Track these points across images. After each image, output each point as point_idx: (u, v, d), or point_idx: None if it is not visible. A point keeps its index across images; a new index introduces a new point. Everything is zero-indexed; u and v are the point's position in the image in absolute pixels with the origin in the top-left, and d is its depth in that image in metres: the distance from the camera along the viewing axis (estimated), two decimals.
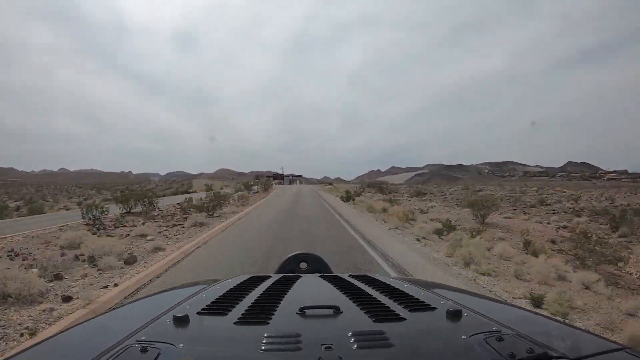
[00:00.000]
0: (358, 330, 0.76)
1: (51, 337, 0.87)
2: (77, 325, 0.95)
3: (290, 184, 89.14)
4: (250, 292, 1.09)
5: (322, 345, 0.69)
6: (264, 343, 0.71)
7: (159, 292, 1.38)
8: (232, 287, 1.15)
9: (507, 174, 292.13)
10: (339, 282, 1.21)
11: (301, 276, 1.38)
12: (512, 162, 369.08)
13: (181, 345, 0.71)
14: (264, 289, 1.11)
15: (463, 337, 0.75)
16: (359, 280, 1.24)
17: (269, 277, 1.31)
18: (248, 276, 1.33)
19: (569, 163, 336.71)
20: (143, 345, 0.70)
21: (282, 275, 1.39)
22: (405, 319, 0.85)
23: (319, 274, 1.48)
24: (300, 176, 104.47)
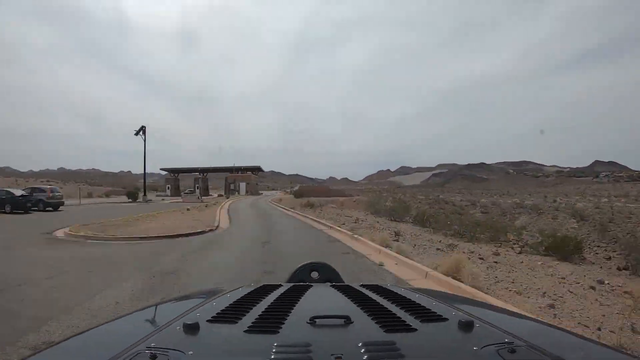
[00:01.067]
0: (369, 340, 0.74)
1: (61, 341, 0.87)
2: (87, 330, 0.96)
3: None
4: (261, 300, 1.07)
5: (332, 355, 0.67)
6: (274, 352, 0.69)
7: (169, 300, 1.40)
8: (242, 295, 1.14)
9: (540, 174, 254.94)
10: (350, 292, 1.19)
11: (312, 285, 1.36)
12: (530, 161, 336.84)
13: (190, 352, 0.70)
14: (274, 298, 1.10)
15: (475, 348, 0.72)
16: (370, 290, 1.22)
17: (279, 285, 1.31)
18: (259, 285, 1.32)
19: (597, 162, 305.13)
20: (153, 351, 0.69)
21: (292, 284, 1.38)
22: (416, 329, 0.82)
23: (330, 284, 1.46)
24: (257, 170, 59.83)
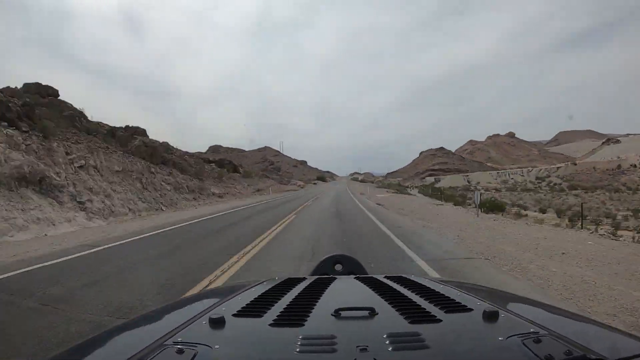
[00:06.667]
0: (393, 331, 0.74)
1: (90, 337, 0.89)
2: (116, 325, 0.98)
3: None
4: (286, 294, 1.08)
5: (357, 346, 0.67)
6: (300, 345, 0.70)
7: (195, 294, 1.46)
8: (267, 289, 1.15)
9: None
10: (374, 284, 1.19)
11: (336, 278, 1.36)
12: None
13: (217, 346, 0.71)
14: (299, 291, 1.10)
15: (500, 338, 0.73)
16: (394, 282, 1.22)
17: (304, 279, 1.32)
18: (283, 278, 1.33)
19: None
20: (179, 346, 0.71)
21: (317, 277, 1.38)
22: (441, 320, 0.82)
23: (354, 276, 1.45)
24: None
